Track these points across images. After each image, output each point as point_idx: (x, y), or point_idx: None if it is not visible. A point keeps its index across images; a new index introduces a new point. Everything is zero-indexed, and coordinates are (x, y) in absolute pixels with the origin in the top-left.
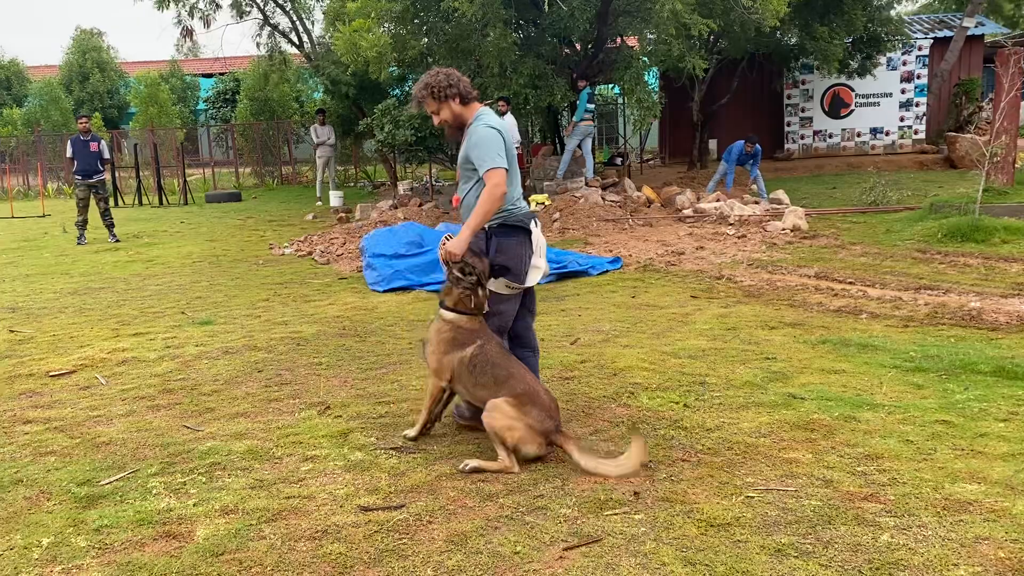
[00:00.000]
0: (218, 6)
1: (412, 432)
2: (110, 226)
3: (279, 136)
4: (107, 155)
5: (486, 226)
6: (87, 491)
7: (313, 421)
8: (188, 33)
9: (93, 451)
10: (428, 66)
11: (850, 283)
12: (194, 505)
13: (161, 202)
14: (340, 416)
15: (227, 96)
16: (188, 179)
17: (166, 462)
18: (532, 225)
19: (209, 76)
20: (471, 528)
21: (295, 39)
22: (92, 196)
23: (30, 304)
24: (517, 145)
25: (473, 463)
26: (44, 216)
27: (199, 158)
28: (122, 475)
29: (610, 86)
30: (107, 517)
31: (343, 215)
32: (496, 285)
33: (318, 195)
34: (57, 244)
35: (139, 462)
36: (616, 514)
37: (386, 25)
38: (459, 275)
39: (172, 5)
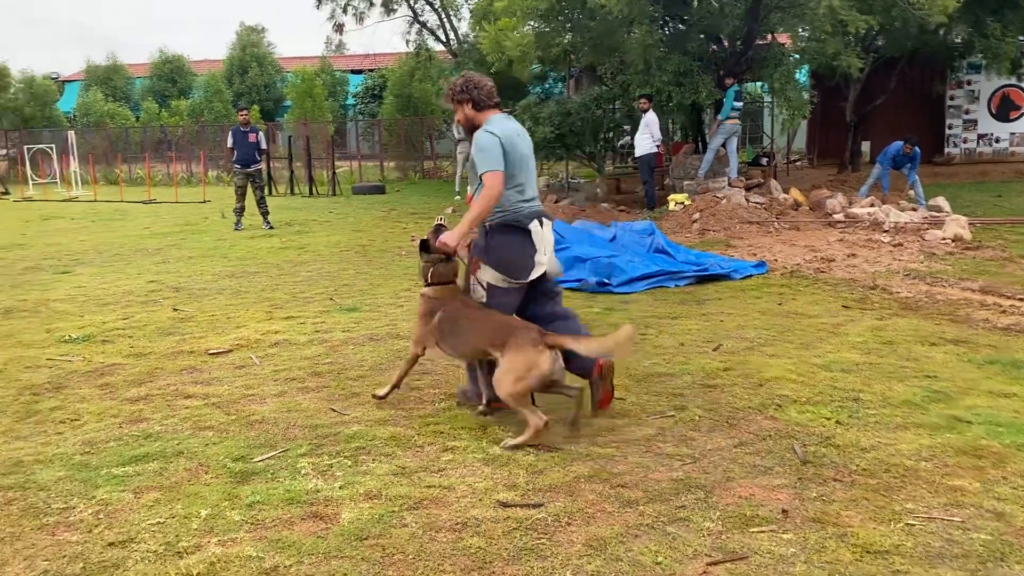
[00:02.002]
0: (371, 3)
1: (381, 392)
2: (265, 214)
3: (422, 132)
4: (264, 145)
5: (487, 224)
6: (241, 467)
7: (453, 412)
8: (340, 28)
9: (247, 428)
10: (570, 63)
11: (1020, 299)
12: (340, 488)
13: (311, 192)
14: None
15: (374, 92)
16: (336, 171)
17: (314, 443)
18: (535, 224)
19: (358, 72)
20: (610, 534)
21: (442, 36)
22: (249, 184)
23: (191, 284)
24: (659, 144)
25: (511, 441)
26: (204, 202)
27: (346, 151)
28: (273, 453)
29: (757, 84)
30: (259, 493)
31: None
32: (492, 278)
33: (456, 190)
34: (216, 229)
35: (289, 442)
36: (763, 532)
37: (531, 23)
38: (422, 253)
39: (328, 1)
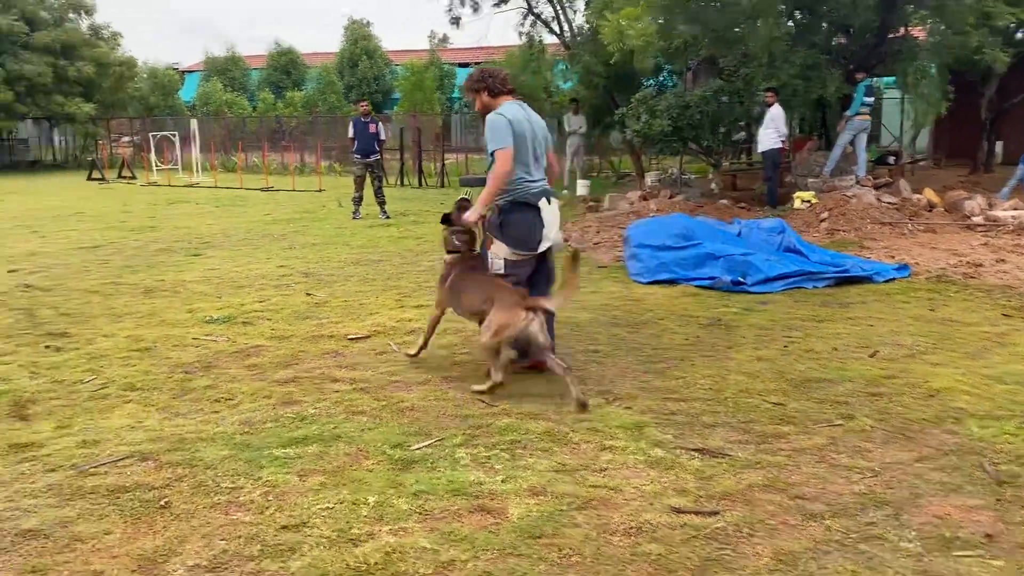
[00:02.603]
0: None
1: (412, 350)
2: (382, 204)
3: None
4: (384, 136)
5: (501, 202)
6: (400, 454)
7: (604, 410)
8: (456, 22)
9: (399, 415)
10: (690, 56)
11: None
12: (502, 481)
13: (420, 184)
14: (630, 408)
15: None
16: (450, 162)
17: (468, 434)
18: (543, 202)
19: (465, 65)
20: (799, 548)
21: (555, 28)
22: (368, 174)
23: (319, 270)
24: (783, 139)
25: (476, 387)
26: (320, 191)
27: (451, 144)
28: (430, 442)
29: (885, 79)
30: (423, 483)
31: (591, 204)
32: (506, 253)
33: (564, 183)
34: (335, 217)
35: (443, 431)
36: (969, 556)
37: (652, 15)
38: (444, 225)
39: None
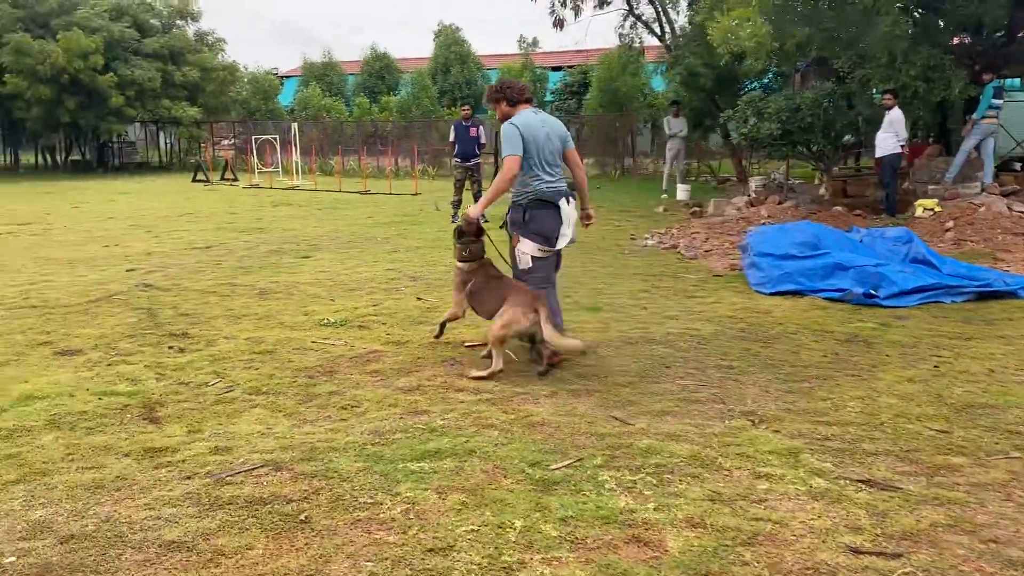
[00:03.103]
0: None
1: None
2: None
3: (624, 128)
4: (484, 140)
5: (523, 201)
6: (540, 474)
7: (750, 433)
8: (560, 24)
9: (530, 430)
10: (800, 57)
11: None
12: (654, 509)
13: None
14: (779, 431)
15: (573, 88)
16: None
17: (608, 454)
18: (562, 201)
19: (557, 69)
20: None
21: (657, 30)
22: (467, 178)
23: (426, 274)
24: (903, 144)
25: (475, 372)
26: (416, 195)
27: None
28: (568, 462)
29: (1008, 81)
30: (569, 507)
31: (695, 209)
32: (531, 249)
33: (663, 187)
34: (434, 220)
35: (580, 450)
36: None
37: (764, 15)
38: (456, 236)
39: None
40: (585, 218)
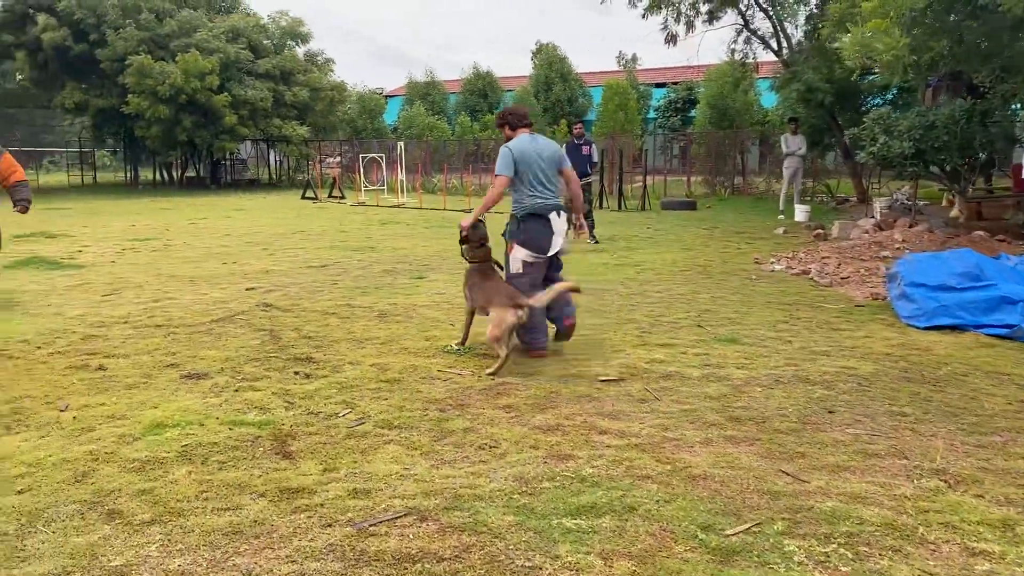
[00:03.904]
0: (698, 12)
1: (455, 343)
2: (591, 228)
3: (734, 145)
4: (596, 159)
5: (519, 214)
6: (716, 540)
7: (948, 497)
8: (673, 39)
9: (692, 484)
10: (935, 71)
11: None
12: None
13: (620, 207)
14: (982, 496)
15: (677, 105)
16: (636, 185)
17: (788, 519)
18: (553, 215)
19: (661, 85)
20: None
21: (773, 44)
22: None
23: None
24: None
25: (489, 371)
26: None
27: (642, 165)
28: (746, 527)
29: None
30: None
31: (819, 232)
32: (524, 256)
33: (780, 208)
34: None
35: (754, 511)
36: None
37: (901, 27)
38: (461, 241)
39: (662, 9)
40: (576, 228)
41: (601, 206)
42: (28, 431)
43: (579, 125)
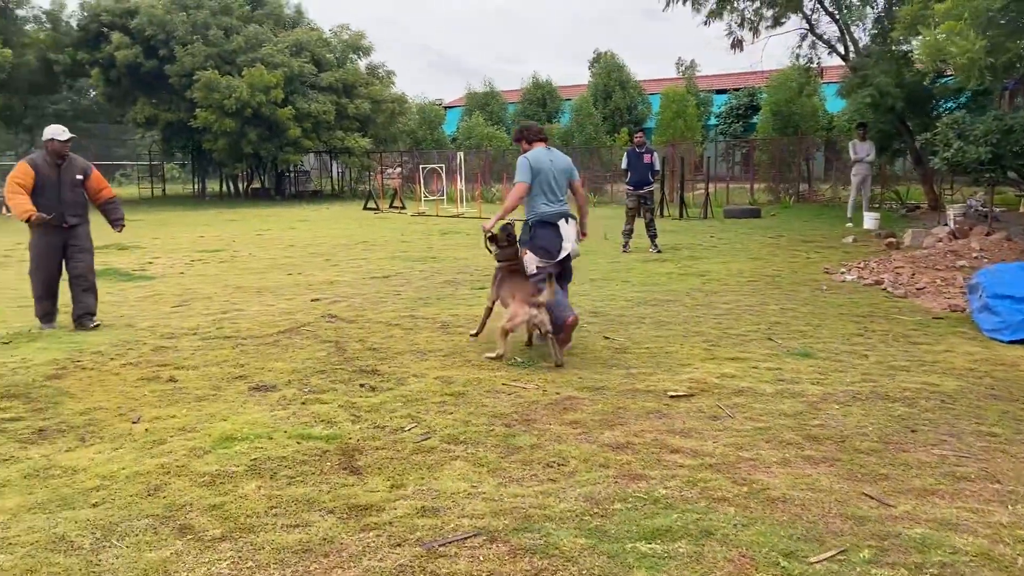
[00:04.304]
0: (761, 17)
1: (473, 331)
2: (653, 237)
3: (799, 152)
4: (658, 167)
5: (531, 220)
6: (799, 569)
7: None
8: (739, 44)
9: (770, 507)
10: (1015, 71)
11: None
12: None
13: (681, 215)
14: None
15: (739, 111)
16: (698, 193)
17: (875, 546)
18: (561, 221)
19: (722, 92)
20: None
21: (840, 49)
22: (640, 206)
23: (607, 309)
24: None
25: (488, 355)
26: None
27: (704, 173)
28: (830, 554)
29: None
30: None
31: (890, 240)
32: (532, 260)
33: (848, 215)
34: (603, 250)
35: (837, 537)
36: None
37: (978, 28)
38: (490, 242)
39: (725, 15)
40: (582, 235)
41: (662, 214)
42: (102, 443)
43: (640, 133)
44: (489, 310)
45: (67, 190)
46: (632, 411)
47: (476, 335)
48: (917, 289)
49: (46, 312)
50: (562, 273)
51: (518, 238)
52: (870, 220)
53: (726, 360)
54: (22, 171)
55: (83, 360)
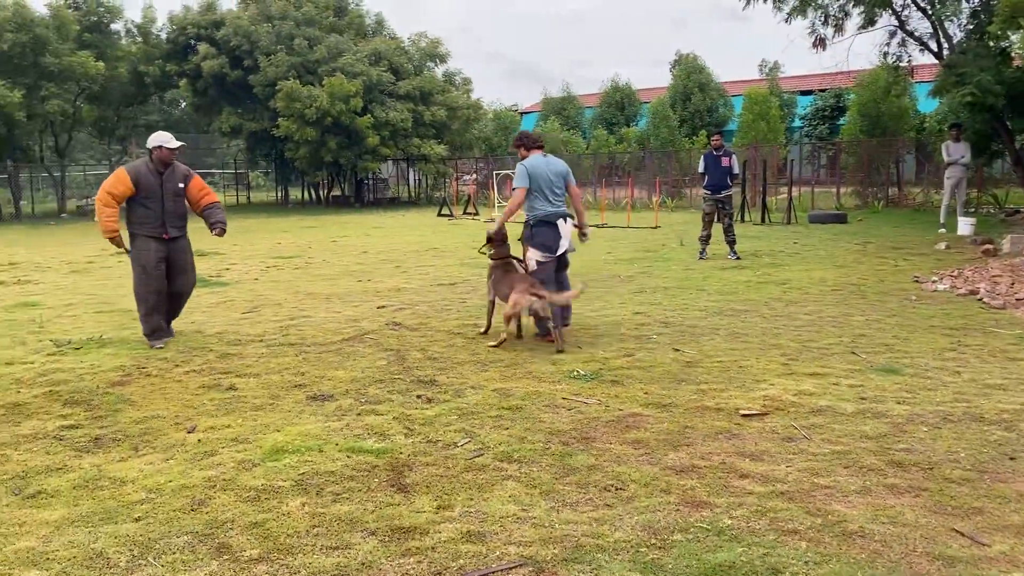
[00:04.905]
0: (847, 14)
1: (482, 329)
2: (731, 243)
3: (888, 154)
4: (737, 170)
5: (531, 221)
6: None
7: None
8: (821, 43)
9: (847, 543)
10: None
11: None
12: None
13: (763, 220)
14: None
15: (825, 113)
16: (781, 197)
17: None
18: (560, 221)
19: (807, 93)
20: None
21: (932, 46)
22: (718, 211)
23: (679, 320)
24: None
25: (491, 343)
26: (655, 228)
27: (787, 176)
28: None
29: None
30: None
31: (987, 247)
32: (536, 256)
33: (941, 221)
34: (678, 257)
35: None
36: None
37: None
38: (487, 241)
39: (809, 12)
40: (581, 234)
41: (743, 219)
42: (154, 453)
43: (717, 136)
44: (492, 304)
45: (169, 200)
46: (700, 431)
47: (485, 332)
48: (1017, 300)
49: (155, 328)
50: (559, 265)
51: (522, 236)
52: (965, 225)
53: (805, 376)
54: (119, 180)
55: (149, 367)
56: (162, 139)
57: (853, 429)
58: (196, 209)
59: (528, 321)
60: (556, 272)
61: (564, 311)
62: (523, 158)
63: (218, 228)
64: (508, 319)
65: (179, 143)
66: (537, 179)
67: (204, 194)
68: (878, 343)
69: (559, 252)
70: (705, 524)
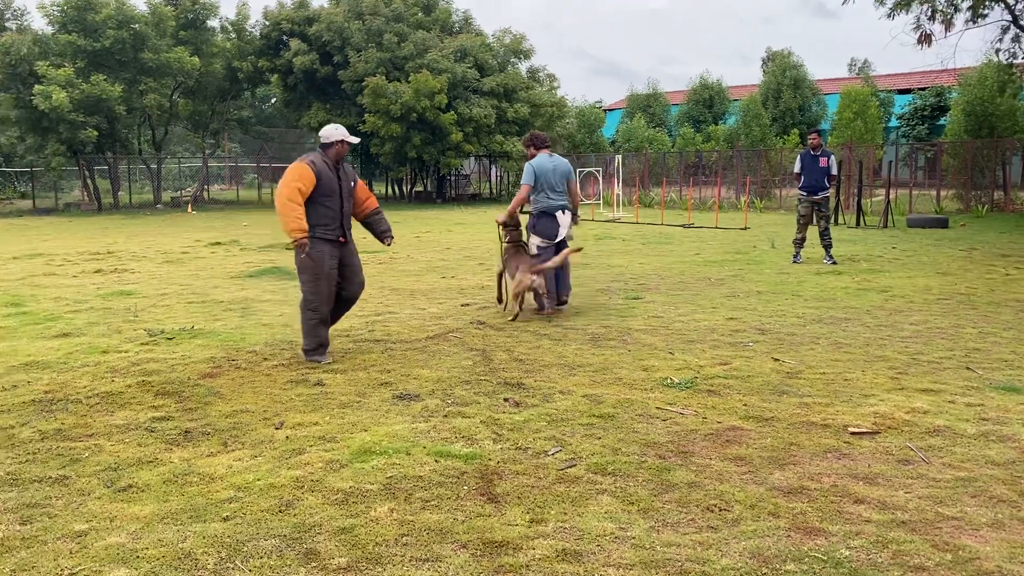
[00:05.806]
0: (956, 8)
1: (496, 296)
2: (828, 247)
3: (994, 156)
4: (835, 171)
5: (534, 212)
6: None
7: None
8: (927, 39)
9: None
10: None
11: None
12: None
13: (858, 223)
14: None
15: (924, 112)
16: (877, 199)
17: None
18: (559, 212)
19: (906, 92)
20: None
21: None
22: (814, 213)
23: (776, 327)
24: None
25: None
26: (744, 228)
27: (884, 178)
28: None
29: None
30: None
31: None
32: (537, 241)
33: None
34: (771, 260)
35: None
36: None
37: None
38: (501, 226)
39: (914, 6)
40: (573, 218)
41: (837, 222)
42: (242, 449)
43: (815, 135)
44: (500, 276)
45: (346, 199)
46: (806, 448)
47: (500, 300)
48: None
49: (322, 343)
50: (559, 250)
51: (527, 224)
52: None
53: (916, 392)
54: (303, 174)
55: (238, 359)
56: (342, 132)
57: (977, 453)
58: (360, 214)
59: (528, 296)
60: (557, 251)
61: (560, 289)
62: (531, 157)
63: (388, 237)
64: (515, 296)
65: (357, 137)
66: (542, 177)
67: (368, 197)
68: (995, 358)
69: (557, 239)
70: (820, 554)
